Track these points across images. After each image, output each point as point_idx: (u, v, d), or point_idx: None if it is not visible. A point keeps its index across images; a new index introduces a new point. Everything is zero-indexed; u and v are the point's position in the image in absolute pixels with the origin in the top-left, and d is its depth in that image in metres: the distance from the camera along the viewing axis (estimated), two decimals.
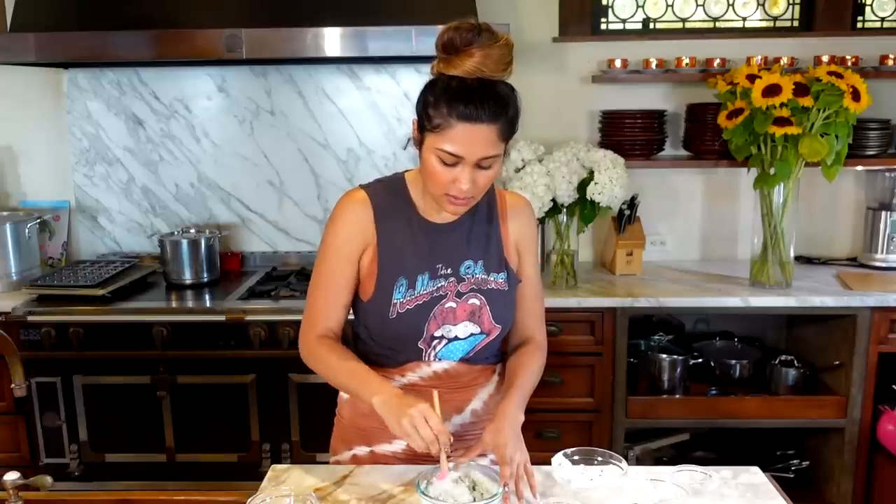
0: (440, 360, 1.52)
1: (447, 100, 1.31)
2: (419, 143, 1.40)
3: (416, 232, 1.49)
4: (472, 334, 1.51)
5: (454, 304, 1.48)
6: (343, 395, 1.62)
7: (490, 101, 1.31)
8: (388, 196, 1.50)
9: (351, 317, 1.56)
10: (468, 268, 1.50)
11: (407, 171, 1.55)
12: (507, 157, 2.53)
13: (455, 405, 1.54)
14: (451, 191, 1.37)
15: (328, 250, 1.49)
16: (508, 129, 1.36)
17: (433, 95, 1.34)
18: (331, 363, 1.47)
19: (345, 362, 1.46)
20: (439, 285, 1.48)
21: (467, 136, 1.32)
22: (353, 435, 1.58)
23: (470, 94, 1.30)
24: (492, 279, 1.51)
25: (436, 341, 1.50)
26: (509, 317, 1.56)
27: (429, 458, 1.45)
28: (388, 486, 1.42)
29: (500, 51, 1.31)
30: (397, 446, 1.54)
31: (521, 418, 1.44)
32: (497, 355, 1.63)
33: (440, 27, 1.35)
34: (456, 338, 1.50)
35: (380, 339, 1.52)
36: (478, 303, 1.50)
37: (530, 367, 1.54)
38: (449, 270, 1.49)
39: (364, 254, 1.48)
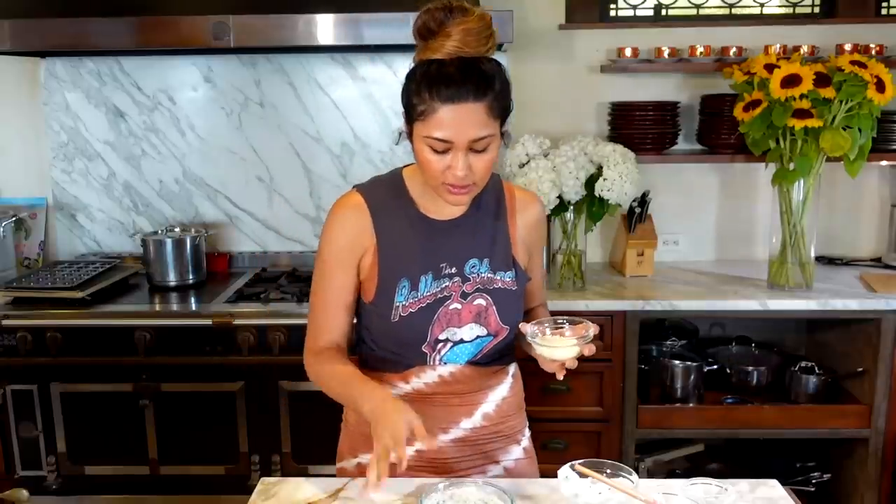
0: (445, 363, 1.51)
1: (427, 84, 1.32)
2: (409, 135, 1.40)
3: (417, 230, 1.48)
4: (478, 336, 1.50)
5: (459, 306, 1.48)
6: None
7: (473, 79, 1.30)
8: (386, 194, 1.50)
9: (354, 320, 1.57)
10: (473, 267, 1.49)
11: (405, 166, 1.54)
12: (510, 148, 2.57)
13: (464, 409, 1.52)
14: (447, 179, 1.36)
15: (324, 263, 1.49)
16: (500, 106, 1.35)
17: (414, 83, 1.34)
18: (325, 374, 1.47)
19: (338, 373, 1.45)
20: (443, 286, 1.47)
21: (454, 119, 1.31)
22: (359, 441, 1.56)
23: (450, 75, 1.30)
24: (498, 278, 1.51)
25: (440, 345, 1.49)
26: (517, 317, 1.54)
27: (434, 470, 1.49)
28: (384, 500, 1.37)
29: (477, 25, 1.31)
30: None
31: None
32: (510, 355, 1.61)
33: None
34: (461, 340, 1.49)
35: (382, 344, 1.52)
36: (484, 303, 1.49)
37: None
38: (453, 270, 1.48)
39: (363, 257, 1.48)
